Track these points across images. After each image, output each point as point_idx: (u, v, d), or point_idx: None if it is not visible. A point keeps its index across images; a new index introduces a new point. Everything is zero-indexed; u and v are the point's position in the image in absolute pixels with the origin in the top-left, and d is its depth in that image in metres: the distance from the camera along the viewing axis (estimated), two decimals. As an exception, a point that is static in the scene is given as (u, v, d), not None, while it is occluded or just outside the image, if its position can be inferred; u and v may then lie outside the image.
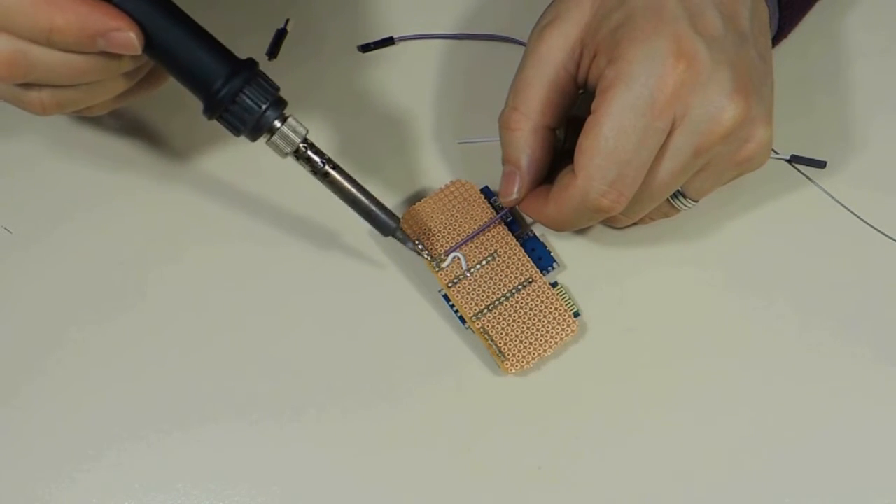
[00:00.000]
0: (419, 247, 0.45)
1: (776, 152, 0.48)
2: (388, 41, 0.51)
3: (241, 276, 0.46)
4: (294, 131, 0.41)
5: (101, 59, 0.39)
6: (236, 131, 0.40)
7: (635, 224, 0.46)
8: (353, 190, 0.43)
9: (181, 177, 0.48)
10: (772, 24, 0.46)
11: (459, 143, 0.48)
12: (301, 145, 0.41)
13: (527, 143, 0.44)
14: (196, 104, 0.40)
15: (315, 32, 0.51)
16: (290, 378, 0.44)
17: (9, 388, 0.44)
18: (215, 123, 0.40)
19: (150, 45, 0.39)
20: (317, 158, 0.42)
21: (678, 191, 0.43)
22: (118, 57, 0.39)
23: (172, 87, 0.41)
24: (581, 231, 0.47)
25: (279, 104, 0.40)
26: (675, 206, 0.44)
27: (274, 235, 0.47)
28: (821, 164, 0.48)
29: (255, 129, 0.40)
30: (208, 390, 0.44)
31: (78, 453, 0.43)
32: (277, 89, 0.40)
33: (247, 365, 0.45)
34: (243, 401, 0.44)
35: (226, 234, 0.47)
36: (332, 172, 0.42)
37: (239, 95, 0.39)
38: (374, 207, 0.43)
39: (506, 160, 0.45)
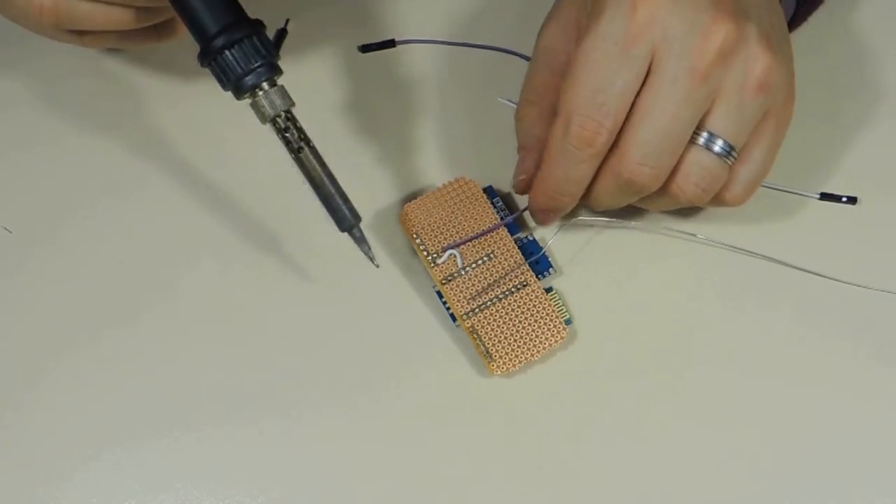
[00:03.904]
0: (371, 252, 0.43)
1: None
2: (390, 43, 0.51)
3: (237, 274, 0.46)
4: (278, 99, 0.40)
5: None
6: (222, 83, 0.40)
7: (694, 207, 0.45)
8: (322, 174, 0.41)
9: (178, 182, 0.48)
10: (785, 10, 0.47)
11: (500, 98, 0.48)
12: (282, 114, 0.41)
13: (533, 126, 0.45)
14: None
15: (315, 32, 0.51)
16: (283, 377, 0.45)
17: (8, 389, 0.44)
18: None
19: None
20: (294, 132, 0.41)
21: (711, 135, 0.41)
22: None
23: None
24: (580, 238, 0.47)
25: (272, 69, 0.40)
26: (719, 160, 0.42)
27: (267, 228, 0.47)
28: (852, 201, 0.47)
29: (238, 85, 0.40)
30: (205, 389, 0.44)
31: (78, 453, 0.43)
32: (274, 55, 0.40)
33: (242, 363, 0.45)
34: (239, 400, 0.44)
35: (221, 234, 0.47)
36: (306, 150, 0.41)
37: (232, 48, 0.40)
38: (337, 197, 0.42)
39: (519, 147, 0.46)
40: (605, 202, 0.44)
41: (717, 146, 0.41)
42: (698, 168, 0.42)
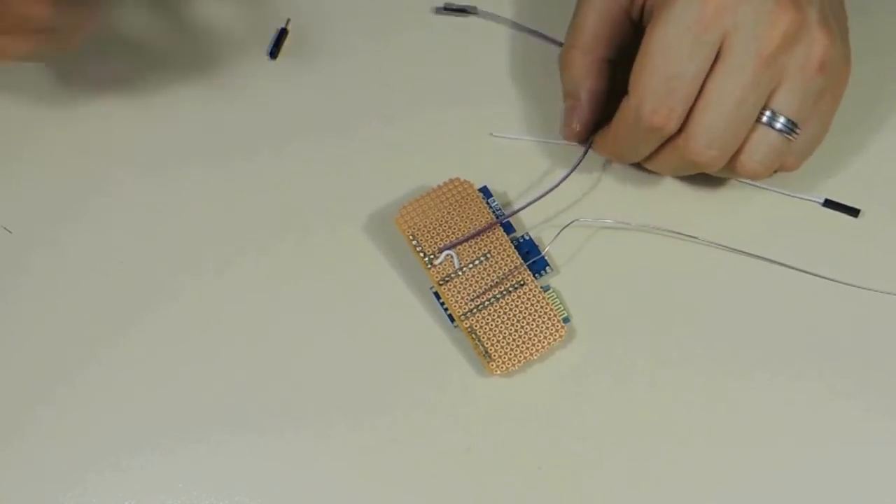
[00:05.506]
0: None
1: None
2: (471, 10, 0.51)
3: (233, 276, 0.47)
4: None
5: None
6: None
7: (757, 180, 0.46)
8: None
9: (179, 182, 0.49)
10: None
11: (492, 135, 0.49)
12: None
13: (584, 76, 0.46)
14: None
15: (316, 32, 0.52)
16: (281, 378, 0.45)
17: (9, 391, 0.45)
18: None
19: None
20: None
21: (774, 113, 0.43)
22: None
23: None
24: (578, 238, 0.47)
25: None
26: (781, 137, 0.43)
27: (264, 230, 0.47)
28: (853, 213, 0.48)
29: None
30: (204, 390, 0.44)
31: (78, 454, 0.43)
32: None
33: (239, 365, 0.45)
34: (238, 401, 0.44)
35: (221, 235, 0.47)
36: None
37: None
38: None
39: (566, 95, 0.47)
40: (665, 171, 0.46)
41: (780, 123, 0.43)
42: (762, 146, 0.43)
